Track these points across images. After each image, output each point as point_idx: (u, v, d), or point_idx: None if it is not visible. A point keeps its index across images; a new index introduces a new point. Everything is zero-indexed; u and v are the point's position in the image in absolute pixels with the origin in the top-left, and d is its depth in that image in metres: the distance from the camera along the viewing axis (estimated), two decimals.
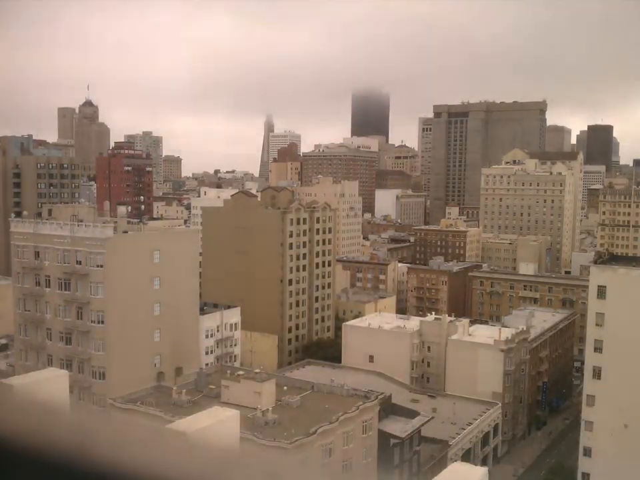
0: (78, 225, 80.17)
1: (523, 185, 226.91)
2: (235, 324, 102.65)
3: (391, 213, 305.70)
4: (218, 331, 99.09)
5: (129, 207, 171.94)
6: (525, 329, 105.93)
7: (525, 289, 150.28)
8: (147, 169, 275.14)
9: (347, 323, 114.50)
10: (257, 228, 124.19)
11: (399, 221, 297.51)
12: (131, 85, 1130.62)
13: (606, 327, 77.24)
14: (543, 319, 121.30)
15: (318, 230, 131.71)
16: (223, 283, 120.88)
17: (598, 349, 78.37)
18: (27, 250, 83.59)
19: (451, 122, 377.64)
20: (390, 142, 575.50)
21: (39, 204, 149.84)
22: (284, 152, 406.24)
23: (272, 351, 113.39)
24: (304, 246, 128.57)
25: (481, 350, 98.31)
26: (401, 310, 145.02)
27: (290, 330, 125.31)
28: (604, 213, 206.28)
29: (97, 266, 78.17)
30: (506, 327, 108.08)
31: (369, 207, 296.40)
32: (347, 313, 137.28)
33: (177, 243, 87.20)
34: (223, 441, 17.92)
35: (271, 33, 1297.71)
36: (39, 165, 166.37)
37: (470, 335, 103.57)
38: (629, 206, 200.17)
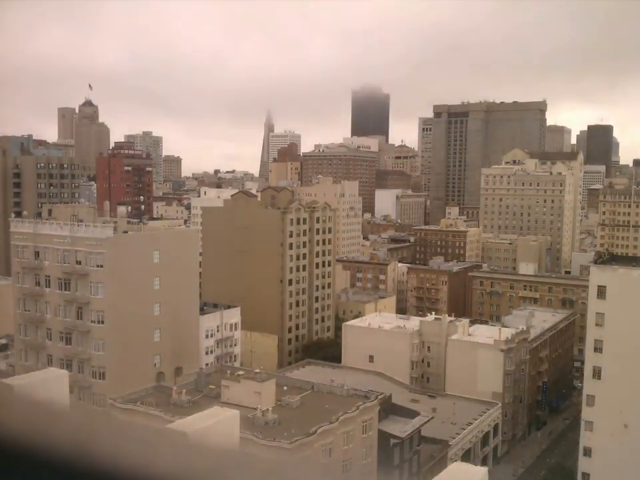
0: (78, 225, 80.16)
1: (523, 185, 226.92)
2: (235, 324, 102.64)
3: (391, 213, 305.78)
4: (218, 330, 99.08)
5: (129, 207, 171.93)
6: (525, 328, 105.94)
7: (524, 289, 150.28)
8: (147, 168, 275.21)
9: (347, 322, 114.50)
10: (257, 228, 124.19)
11: (398, 220, 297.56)
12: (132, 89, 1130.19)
13: (606, 327, 77.23)
14: (543, 319, 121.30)
15: (318, 230, 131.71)
16: (223, 282, 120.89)
17: (598, 348, 78.38)
18: (26, 250, 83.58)
19: (450, 122, 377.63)
20: (390, 142, 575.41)
21: (39, 204, 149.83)
22: (284, 152, 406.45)
23: (272, 351, 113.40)
24: (304, 246, 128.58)
25: (481, 350, 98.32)
26: (401, 310, 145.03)
27: (290, 330, 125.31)
28: (604, 213, 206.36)
29: (97, 266, 78.17)
30: (506, 326, 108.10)
31: (369, 207, 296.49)
32: (346, 312, 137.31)
33: (177, 243, 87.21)
34: (222, 441, 17.95)
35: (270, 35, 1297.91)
36: (39, 165, 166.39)
37: (470, 335, 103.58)
38: (629, 206, 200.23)
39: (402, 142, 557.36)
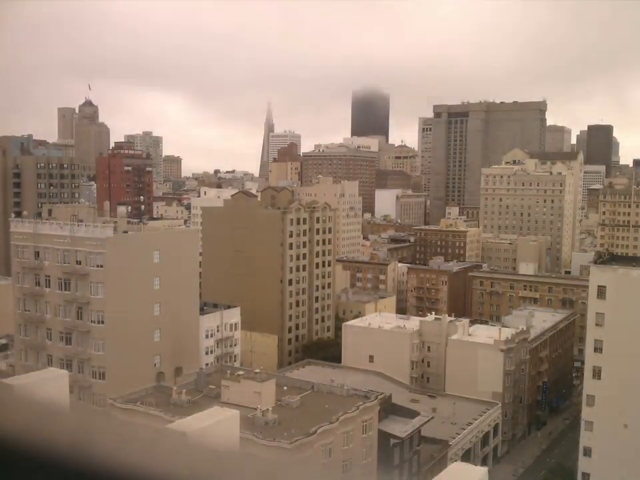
0: (78, 225, 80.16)
1: (523, 185, 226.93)
2: (235, 324, 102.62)
3: (391, 213, 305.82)
4: (218, 330, 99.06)
5: (129, 207, 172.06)
6: (525, 328, 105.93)
7: (524, 289, 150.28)
8: (147, 169, 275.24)
9: (347, 322, 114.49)
10: (257, 228, 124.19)
11: (398, 220, 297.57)
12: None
13: (606, 327, 77.22)
14: (543, 319, 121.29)
15: (318, 230, 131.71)
16: (223, 282, 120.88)
17: (598, 348, 78.35)
18: (26, 250, 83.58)
19: (450, 122, 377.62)
20: (390, 142, 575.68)
21: (39, 204, 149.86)
22: (284, 152, 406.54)
23: (272, 351, 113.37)
24: (304, 246, 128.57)
25: (480, 350, 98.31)
26: (401, 310, 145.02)
27: (290, 330, 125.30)
28: (604, 213, 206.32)
29: (97, 266, 78.16)
30: (506, 326, 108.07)
31: (369, 207, 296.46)
32: (346, 313, 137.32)
33: (177, 242, 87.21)
34: (222, 441, 17.94)
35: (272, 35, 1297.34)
36: (39, 165, 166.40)
37: (470, 334, 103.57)
38: (629, 206, 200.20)
39: (402, 142, 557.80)
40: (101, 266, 77.94)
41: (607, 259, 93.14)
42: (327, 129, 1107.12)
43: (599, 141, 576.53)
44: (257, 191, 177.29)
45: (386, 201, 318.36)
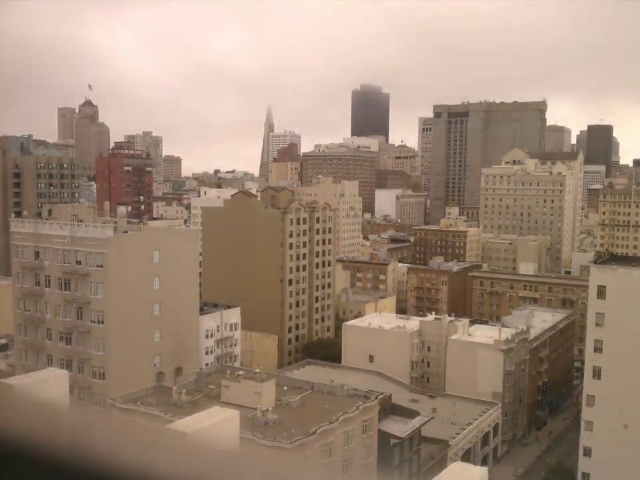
0: (78, 225, 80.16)
1: (523, 185, 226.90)
2: (235, 324, 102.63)
3: (391, 213, 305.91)
4: (218, 330, 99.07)
5: (129, 207, 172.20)
6: (524, 329, 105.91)
7: (524, 289, 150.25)
8: (147, 168, 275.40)
9: (347, 322, 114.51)
10: (257, 228, 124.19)
11: (398, 220, 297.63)
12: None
13: (606, 327, 77.22)
14: (543, 319, 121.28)
15: (318, 230, 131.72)
16: (223, 282, 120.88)
17: (598, 348, 78.36)
18: (26, 250, 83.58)
19: (451, 122, 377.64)
20: (390, 142, 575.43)
21: (39, 204, 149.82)
22: (284, 152, 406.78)
23: (272, 351, 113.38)
24: (304, 246, 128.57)
25: (480, 350, 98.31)
26: (401, 310, 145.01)
27: (290, 330, 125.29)
28: (604, 213, 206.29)
29: (97, 266, 78.17)
30: (506, 326, 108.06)
31: (369, 207, 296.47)
32: (346, 312, 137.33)
33: (176, 242, 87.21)
34: (222, 441, 17.91)
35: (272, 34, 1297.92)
36: (38, 165, 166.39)
37: (470, 334, 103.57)
38: (629, 206, 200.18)
39: (402, 142, 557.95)
40: (101, 266, 77.94)
41: (607, 258, 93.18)
42: (327, 129, 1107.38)
43: (599, 141, 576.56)
44: (257, 191, 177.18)
45: (386, 201, 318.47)
